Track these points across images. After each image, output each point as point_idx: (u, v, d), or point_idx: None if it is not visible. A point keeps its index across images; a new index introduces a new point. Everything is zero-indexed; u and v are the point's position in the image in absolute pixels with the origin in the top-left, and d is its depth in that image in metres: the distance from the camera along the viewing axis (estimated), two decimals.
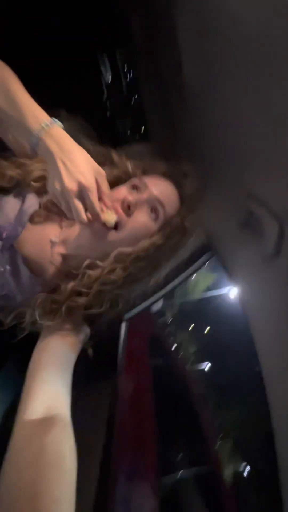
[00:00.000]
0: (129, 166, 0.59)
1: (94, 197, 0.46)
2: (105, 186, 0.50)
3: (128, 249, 0.53)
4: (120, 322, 0.68)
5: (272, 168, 0.42)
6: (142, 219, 0.54)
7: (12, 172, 0.56)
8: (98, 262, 0.53)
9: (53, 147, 0.45)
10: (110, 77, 1.43)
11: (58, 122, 0.47)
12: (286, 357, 0.41)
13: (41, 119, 0.46)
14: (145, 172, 0.60)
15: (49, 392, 0.45)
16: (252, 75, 0.39)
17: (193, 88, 0.67)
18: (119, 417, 0.80)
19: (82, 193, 0.46)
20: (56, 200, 0.48)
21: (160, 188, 0.56)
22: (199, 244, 0.67)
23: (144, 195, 0.54)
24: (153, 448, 1.00)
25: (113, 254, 0.53)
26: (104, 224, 0.50)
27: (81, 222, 0.48)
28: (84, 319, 0.58)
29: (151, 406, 1.08)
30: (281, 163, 0.38)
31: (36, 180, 0.57)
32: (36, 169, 0.56)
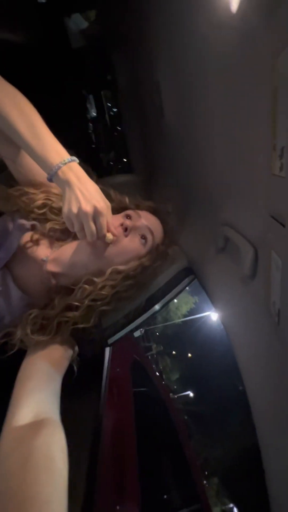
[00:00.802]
0: (127, 200, 0.71)
1: (105, 220, 0.53)
2: (109, 214, 0.56)
3: (121, 267, 0.60)
4: (105, 347, 0.67)
5: (245, 198, 0.46)
6: (134, 242, 0.62)
7: (18, 200, 0.62)
8: (94, 278, 0.58)
9: (72, 178, 0.50)
10: (95, 113, 1.54)
11: (76, 159, 0.53)
12: (270, 379, 0.42)
13: (63, 156, 0.51)
14: (137, 207, 0.71)
15: (37, 399, 0.44)
16: (224, 112, 0.46)
17: (171, 124, 0.75)
18: (101, 460, 0.74)
19: (95, 216, 0.51)
20: (68, 222, 0.52)
21: (149, 220, 0.66)
22: (181, 267, 0.70)
23: (137, 223, 0.63)
24: (136, 490, 0.92)
25: (109, 271, 0.59)
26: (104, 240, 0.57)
27: (91, 239, 0.53)
28: (72, 336, 0.59)
29: (133, 443, 1.01)
30: (253, 194, 0.43)
31: (39, 207, 0.62)
32: (40, 198, 0.62)
